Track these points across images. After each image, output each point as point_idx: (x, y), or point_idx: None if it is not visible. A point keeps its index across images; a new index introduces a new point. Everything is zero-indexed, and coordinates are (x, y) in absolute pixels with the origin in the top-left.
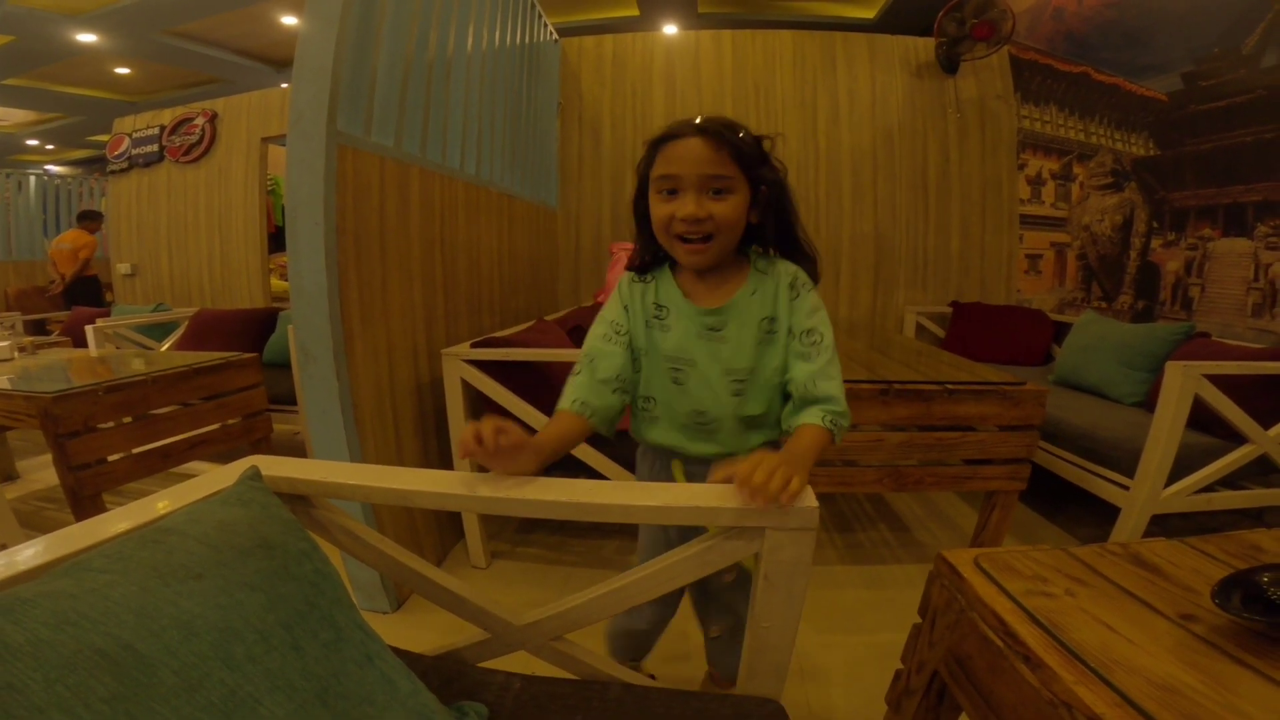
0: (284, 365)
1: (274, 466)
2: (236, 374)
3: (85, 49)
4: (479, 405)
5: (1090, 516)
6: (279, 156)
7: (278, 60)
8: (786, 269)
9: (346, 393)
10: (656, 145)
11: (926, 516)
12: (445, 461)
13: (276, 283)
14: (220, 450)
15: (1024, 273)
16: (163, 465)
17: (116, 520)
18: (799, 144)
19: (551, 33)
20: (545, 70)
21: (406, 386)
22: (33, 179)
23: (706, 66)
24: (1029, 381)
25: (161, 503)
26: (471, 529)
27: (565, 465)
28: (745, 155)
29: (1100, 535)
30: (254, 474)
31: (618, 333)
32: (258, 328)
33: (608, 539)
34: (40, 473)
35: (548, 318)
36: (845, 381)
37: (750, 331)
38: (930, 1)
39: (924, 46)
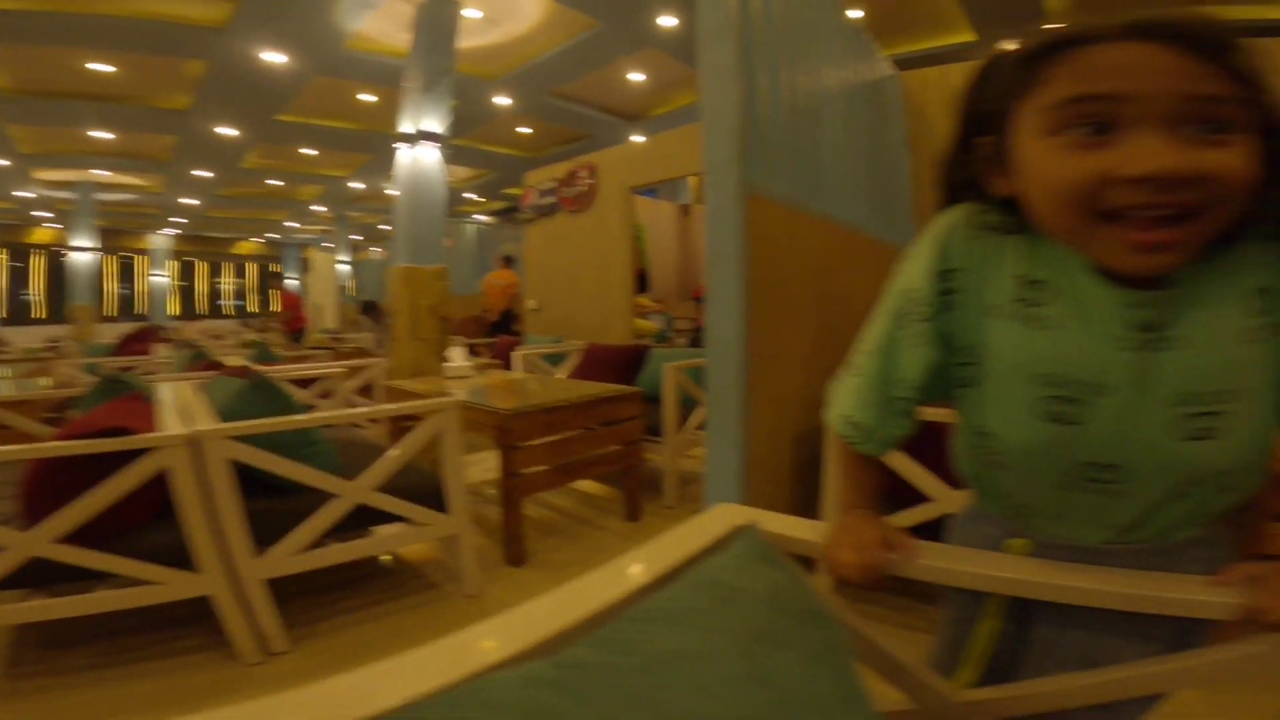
0: (650, 399)
1: (758, 520)
2: (625, 405)
3: (501, 111)
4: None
5: None
6: (642, 205)
7: (627, 114)
8: None
9: (744, 438)
10: (1046, 52)
11: None
12: (811, 511)
13: (639, 323)
14: (600, 473)
15: None
16: (562, 480)
17: (634, 569)
18: None
19: (889, 67)
20: (889, 106)
21: (789, 435)
22: (469, 227)
23: None
24: None
25: (671, 550)
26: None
27: None
28: (1252, 74)
29: None
30: (754, 530)
31: (919, 315)
32: (632, 363)
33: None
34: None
35: None
36: None
37: (1227, 321)
38: None
39: None
